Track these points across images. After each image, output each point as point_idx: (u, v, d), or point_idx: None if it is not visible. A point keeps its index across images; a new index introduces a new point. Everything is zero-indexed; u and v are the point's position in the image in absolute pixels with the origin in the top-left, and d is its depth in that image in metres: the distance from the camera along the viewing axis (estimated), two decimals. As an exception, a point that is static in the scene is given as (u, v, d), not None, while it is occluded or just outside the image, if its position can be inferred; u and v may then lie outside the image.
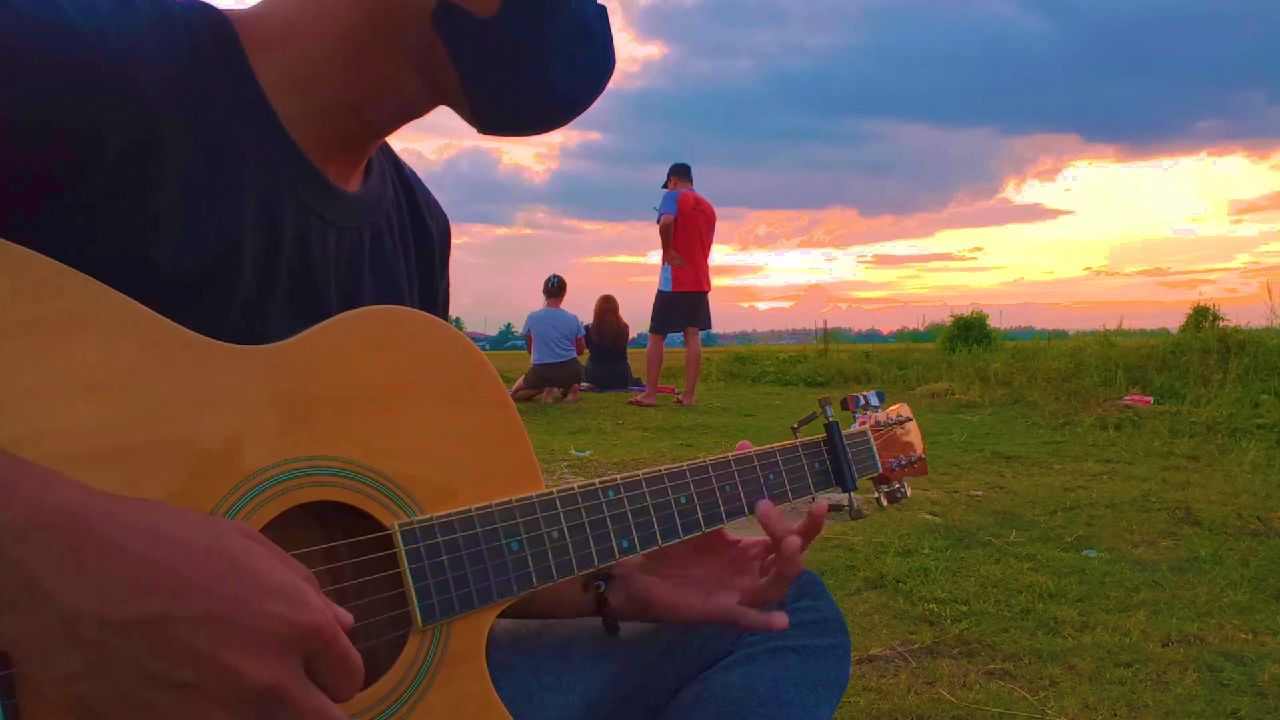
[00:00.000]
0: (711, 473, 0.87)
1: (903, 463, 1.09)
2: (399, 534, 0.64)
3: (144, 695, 0.46)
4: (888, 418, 1.10)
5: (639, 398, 7.28)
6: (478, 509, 0.68)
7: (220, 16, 0.69)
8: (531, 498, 0.72)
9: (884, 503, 1.09)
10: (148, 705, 0.46)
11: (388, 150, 0.88)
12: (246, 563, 0.50)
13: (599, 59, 0.75)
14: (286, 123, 0.70)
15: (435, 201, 0.94)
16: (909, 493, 1.10)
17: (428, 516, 0.66)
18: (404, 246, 0.86)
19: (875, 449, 1.06)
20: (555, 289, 8.31)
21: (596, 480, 0.78)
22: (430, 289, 0.90)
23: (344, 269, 0.76)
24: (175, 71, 0.63)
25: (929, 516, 3.14)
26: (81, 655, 0.45)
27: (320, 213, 0.73)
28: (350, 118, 0.72)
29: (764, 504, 0.90)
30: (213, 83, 0.65)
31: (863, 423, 1.08)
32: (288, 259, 0.70)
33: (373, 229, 0.81)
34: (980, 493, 3.56)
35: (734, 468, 0.89)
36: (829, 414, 1.01)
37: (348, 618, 0.53)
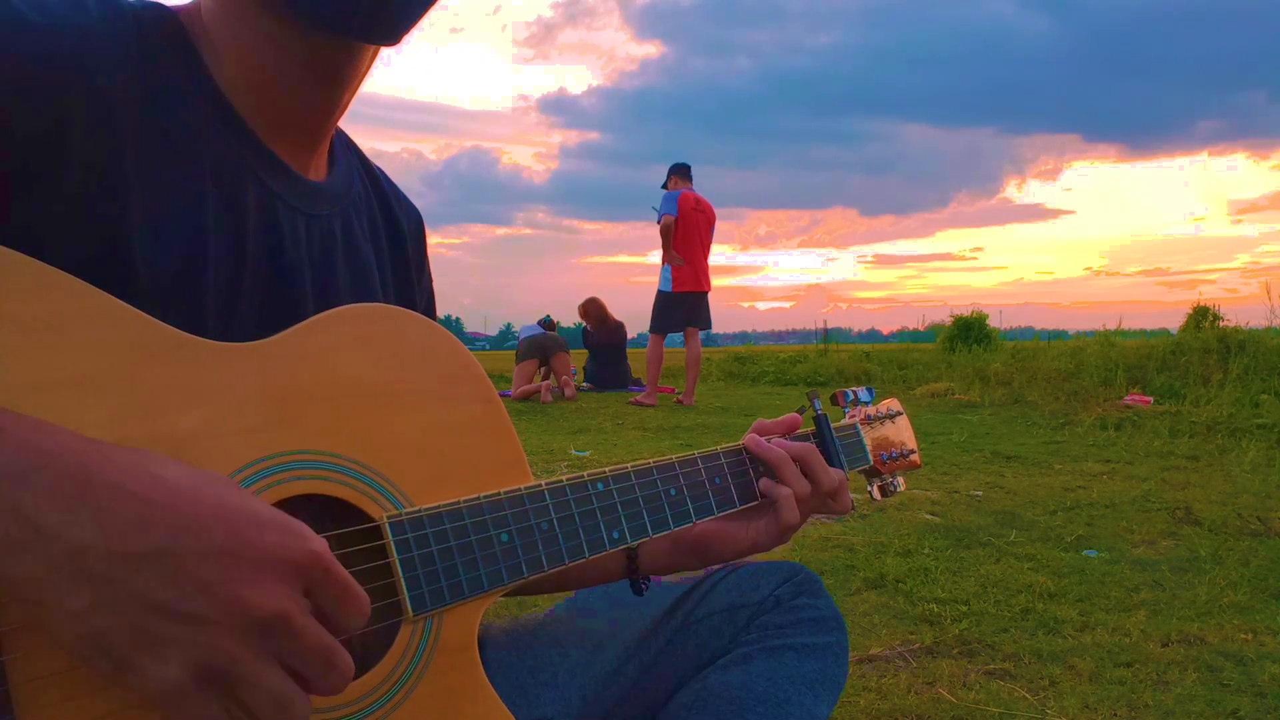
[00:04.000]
0: (701, 465, 0.87)
1: (894, 455, 1.08)
2: (388, 525, 0.64)
3: (154, 628, 0.47)
4: (877, 412, 1.10)
5: (639, 398, 7.28)
6: (466, 501, 0.69)
7: (167, 11, 0.69)
8: (520, 490, 0.72)
9: (877, 495, 1.08)
10: (158, 638, 0.47)
11: (352, 145, 0.88)
12: (240, 500, 0.51)
13: None
14: (241, 110, 0.70)
15: (404, 195, 0.94)
16: (902, 485, 1.10)
17: (415, 509, 0.66)
18: (375, 237, 0.86)
19: (866, 441, 1.06)
20: (547, 326, 8.96)
21: (585, 473, 0.78)
22: (405, 280, 0.90)
23: (317, 258, 0.76)
24: (129, 64, 0.63)
25: (929, 516, 3.13)
26: (91, 590, 0.46)
27: (286, 198, 0.73)
28: (279, 93, 0.71)
29: (748, 437, 0.92)
30: (166, 74, 0.66)
31: (852, 417, 1.08)
32: (254, 245, 0.70)
33: (343, 218, 0.81)
34: (980, 493, 3.55)
35: (723, 460, 0.89)
36: (817, 406, 1.00)
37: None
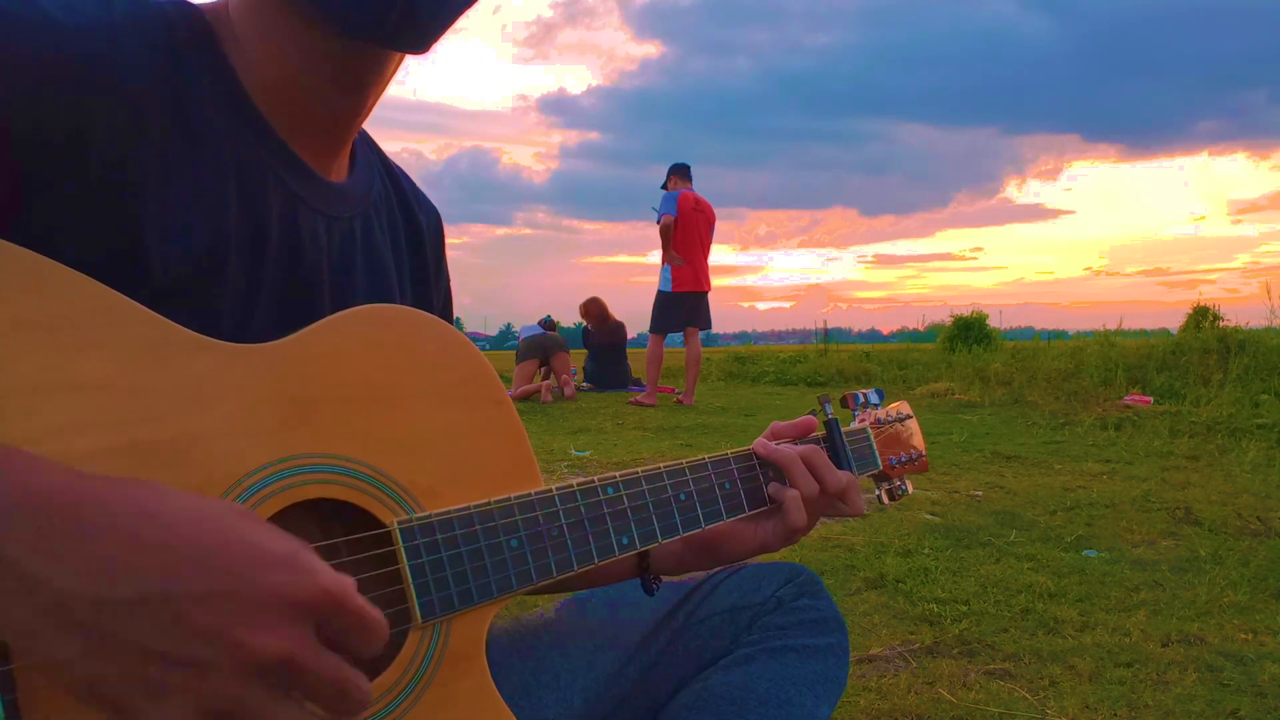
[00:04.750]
0: (711, 470, 0.87)
1: (903, 459, 1.08)
2: (398, 531, 0.64)
3: (152, 675, 0.45)
4: (887, 415, 1.09)
5: (639, 398, 7.27)
6: (476, 506, 0.68)
7: (194, 9, 0.69)
8: (530, 495, 0.72)
9: (885, 500, 1.08)
10: (157, 685, 0.45)
11: (374, 145, 0.88)
12: (242, 534, 0.48)
13: None
14: (265, 112, 0.70)
15: (424, 196, 0.94)
16: (910, 489, 1.09)
17: (426, 514, 0.66)
18: (394, 238, 0.86)
19: (875, 446, 1.05)
20: (548, 326, 8.95)
21: (596, 478, 0.77)
22: (423, 280, 0.90)
23: (336, 259, 0.76)
24: (154, 64, 0.63)
25: (929, 516, 3.13)
26: (81, 638, 0.44)
27: (307, 200, 0.73)
28: (300, 95, 0.71)
29: (757, 441, 0.92)
30: (191, 74, 0.66)
31: (862, 420, 1.07)
32: (275, 247, 0.70)
33: (363, 220, 0.81)
34: (980, 493, 3.55)
35: (733, 465, 0.89)
36: (828, 411, 1.00)
37: (349, 579, 0.51)
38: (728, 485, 0.88)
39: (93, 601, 0.44)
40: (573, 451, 4.66)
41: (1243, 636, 1.98)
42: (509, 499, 0.70)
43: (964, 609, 2.16)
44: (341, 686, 0.49)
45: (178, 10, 0.68)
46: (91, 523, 0.45)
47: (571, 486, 0.75)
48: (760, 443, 0.92)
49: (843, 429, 1.00)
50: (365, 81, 0.72)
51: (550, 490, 0.73)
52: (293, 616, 0.47)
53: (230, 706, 0.46)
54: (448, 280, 0.96)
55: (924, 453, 1.11)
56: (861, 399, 1.08)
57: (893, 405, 1.12)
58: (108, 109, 0.60)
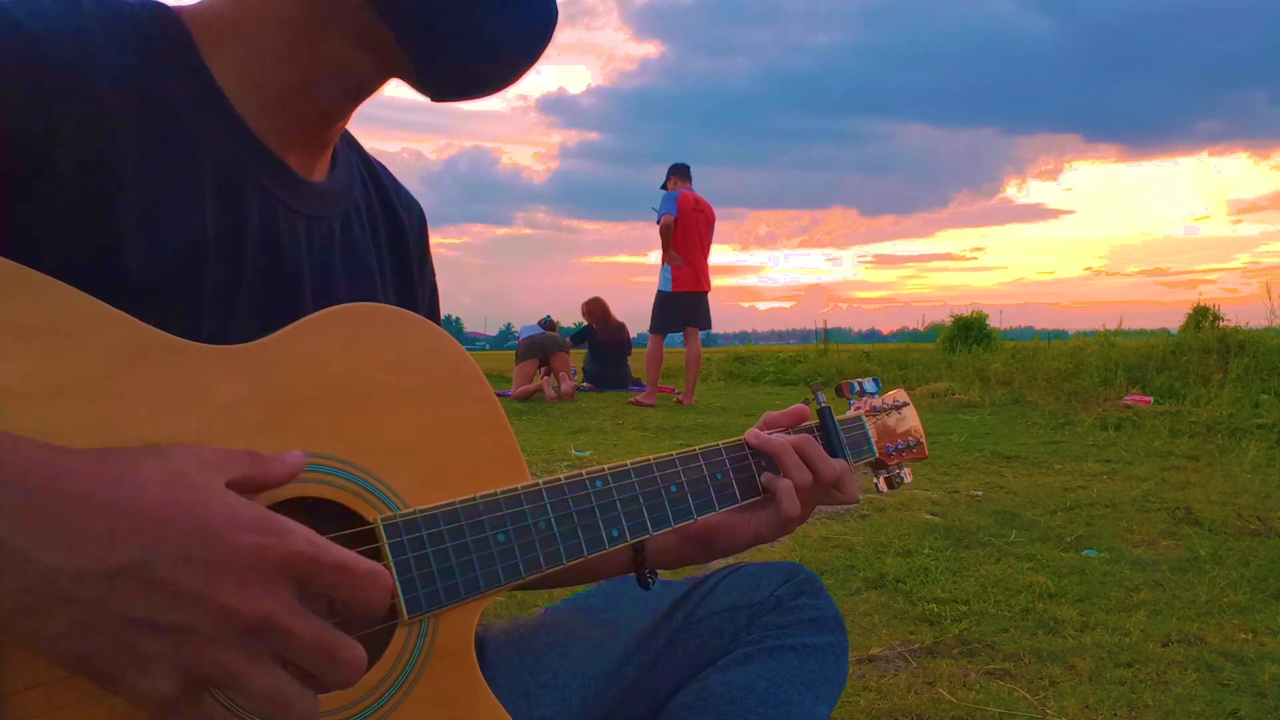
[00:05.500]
0: (702, 461, 0.86)
1: (900, 447, 1.06)
2: (382, 527, 0.63)
3: (138, 644, 0.46)
4: (883, 403, 1.07)
5: (639, 398, 7.28)
6: (461, 502, 0.68)
7: (170, 13, 0.69)
8: (517, 489, 0.71)
9: (883, 488, 1.06)
10: (143, 653, 0.46)
11: (353, 142, 0.88)
12: (216, 500, 0.50)
13: (540, 8, 0.73)
14: (244, 114, 0.70)
15: (406, 191, 0.94)
16: (909, 478, 1.07)
17: (410, 510, 0.65)
18: (375, 235, 0.86)
19: (871, 433, 1.03)
20: (548, 326, 9.01)
21: (584, 471, 0.77)
22: (406, 277, 0.90)
23: (316, 259, 0.76)
24: (127, 69, 0.63)
25: (929, 516, 3.13)
26: (68, 612, 0.45)
27: (287, 202, 0.73)
28: (303, 103, 0.71)
29: (750, 431, 0.91)
30: (166, 78, 0.66)
31: (857, 408, 1.05)
32: (254, 249, 0.70)
33: (343, 219, 0.81)
34: (980, 493, 3.55)
35: (725, 456, 0.88)
36: (821, 399, 0.98)
37: (324, 540, 0.52)
38: (719, 476, 0.87)
39: (77, 574, 0.45)
40: (573, 451, 4.66)
41: (1243, 636, 1.97)
42: (494, 494, 0.70)
43: (964, 609, 2.15)
44: (327, 650, 0.50)
45: (151, 13, 0.67)
46: (70, 494, 0.46)
47: (559, 480, 0.74)
48: (752, 432, 0.91)
49: (837, 417, 0.99)
50: (366, 95, 0.75)
51: (538, 484, 0.73)
52: (269, 577, 0.49)
53: (213, 671, 0.47)
54: (433, 276, 0.96)
55: (922, 440, 1.09)
56: (857, 387, 1.06)
57: (889, 393, 1.09)
58: (77, 113, 0.59)
